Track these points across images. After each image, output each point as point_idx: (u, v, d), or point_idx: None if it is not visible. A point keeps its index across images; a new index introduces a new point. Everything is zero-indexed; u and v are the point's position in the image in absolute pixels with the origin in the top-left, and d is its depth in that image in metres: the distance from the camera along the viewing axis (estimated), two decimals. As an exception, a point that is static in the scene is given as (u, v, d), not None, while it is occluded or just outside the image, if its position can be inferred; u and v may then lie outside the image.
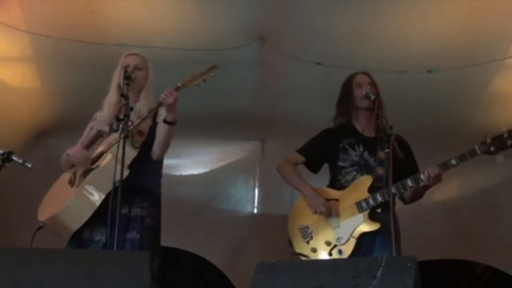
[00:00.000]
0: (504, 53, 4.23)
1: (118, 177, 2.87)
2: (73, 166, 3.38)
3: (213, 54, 4.16)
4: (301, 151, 3.63)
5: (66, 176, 3.37)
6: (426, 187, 3.28)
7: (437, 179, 3.21)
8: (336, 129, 3.61)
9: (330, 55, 4.32)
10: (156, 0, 4.03)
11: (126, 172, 2.97)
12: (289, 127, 5.16)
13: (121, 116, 3.06)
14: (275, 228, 5.48)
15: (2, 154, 3.15)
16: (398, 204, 3.48)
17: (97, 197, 3.11)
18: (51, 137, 5.10)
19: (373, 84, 3.56)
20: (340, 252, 3.35)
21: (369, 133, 3.55)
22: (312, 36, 4.25)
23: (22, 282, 2.33)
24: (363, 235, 3.33)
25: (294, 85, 4.77)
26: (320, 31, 4.19)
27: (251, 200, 5.83)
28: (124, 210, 3.04)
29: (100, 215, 3.04)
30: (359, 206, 3.37)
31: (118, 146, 3.01)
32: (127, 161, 3.06)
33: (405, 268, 2.28)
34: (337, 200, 3.46)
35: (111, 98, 3.39)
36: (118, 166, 2.89)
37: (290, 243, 3.56)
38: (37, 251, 2.51)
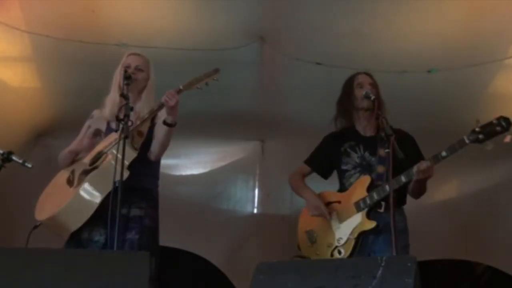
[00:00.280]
0: (504, 53, 4.23)
1: (118, 178, 2.86)
2: (72, 163, 3.37)
3: (213, 54, 4.16)
4: (307, 161, 3.74)
5: (63, 175, 3.36)
6: (420, 181, 3.24)
7: (427, 172, 3.15)
8: (337, 133, 3.64)
9: (330, 55, 4.32)
10: (156, 0, 4.03)
11: (126, 174, 2.97)
12: (289, 127, 5.16)
13: (121, 116, 3.05)
14: (275, 228, 5.51)
15: (2, 154, 3.15)
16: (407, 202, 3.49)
17: (97, 198, 3.11)
18: (51, 137, 5.10)
19: (374, 85, 3.56)
20: (339, 252, 3.38)
21: (369, 132, 3.55)
22: (312, 36, 4.25)
23: (22, 282, 2.33)
24: (363, 235, 3.33)
25: (294, 85, 4.77)
26: (320, 31, 4.18)
27: (251, 200, 5.83)
28: (124, 211, 3.03)
29: (99, 216, 3.04)
30: (357, 206, 3.38)
31: (118, 147, 3.01)
32: (127, 162, 3.06)
33: (405, 268, 2.28)
34: (339, 202, 3.50)
35: (112, 97, 3.39)
36: (118, 167, 2.89)
37: (299, 247, 3.62)
38: (37, 251, 2.51)
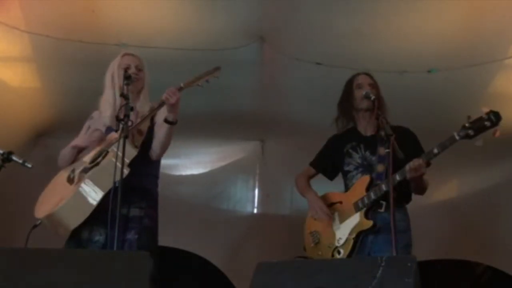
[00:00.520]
0: (504, 53, 4.23)
1: (118, 176, 2.86)
2: (72, 162, 3.37)
3: (213, 54, 4.16)
4: (312, 163, 3.78)
5: (63, 174, 3.35)
6: (414, 179, 3.22)
7: (419, 170, 3.15)
8: (340, 135, 3.66)
9: (330, 55, 4.32)
10: (156, 0, 4.03)
11: (126, 171, 2.97)
12: (289, 127, 5.16)
13: (121, 116, 3.06)
14: (275, 228, 5.51)
15: (2, 154, 3.15)
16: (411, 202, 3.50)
17: (97, 195, 3.10)
18: (51, 137, 5.10)
19: (373, 85, 3.57)
20: (339, 252, 3.39)
21: (370, 132, 3.55)
22: (312, 36, 4.25)
23: (22, 282, 2.33)
24: (362, 235, 3.34)
25: (294, 85, 4.77)
26: (320, 31, 4.18)
27: (251, 200, 5.83)
28: (123, 211, 3.02)
29: (99, 215, 3.04)
30: (356, 206, 3.40)
31: (118, 145, 3.01)
32: (127, 160, 3.06)
33: (405, 268, 2.28)
34: (340, 202, 3.52)
35: (110, 99, 3.39)
36: (119, 165, 2.88)
37: (304, 249, 3.65)
38: (37, 251, 2.50)
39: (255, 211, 5.85)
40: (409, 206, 3.52)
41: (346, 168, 3.56)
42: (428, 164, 3.23)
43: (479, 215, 5.32)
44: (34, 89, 4.71)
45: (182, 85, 3.20)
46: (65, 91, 4.65)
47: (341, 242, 3.39)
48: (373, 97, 3.39)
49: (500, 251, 5.31)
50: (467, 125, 3.02)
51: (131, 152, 3.14)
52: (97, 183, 3.13)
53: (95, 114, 3.49)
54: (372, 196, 3.33)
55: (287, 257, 3.64)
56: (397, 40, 4.20)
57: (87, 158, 3.31)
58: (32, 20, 4.07)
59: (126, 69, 3.33)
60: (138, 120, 3.24)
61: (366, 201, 3.35)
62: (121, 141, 2.93)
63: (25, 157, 3.22)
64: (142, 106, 3.34)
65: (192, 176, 5.72)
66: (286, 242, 5.10)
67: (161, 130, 3.27)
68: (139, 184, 3.24)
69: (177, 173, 5.61)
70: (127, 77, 3.22)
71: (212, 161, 5.74)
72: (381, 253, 3.16)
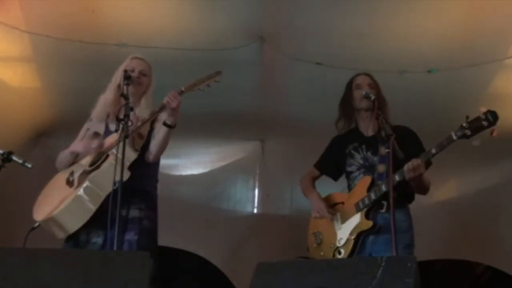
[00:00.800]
0: (504, 53, 4.23)
1: (118, 178, 2.86)
2: (72, 164, 3.37)
3: (213, 54, 4.16)
4: (315, 165, 3.79)
5: (62, 176, 3.35)
6: (413, 179, 3.21)
7: (417, 170, 3.14)
8: (342, 135, 3.66)
9: (330, 55, 4.32)
10: (156, 0, 4.03)
11: (127, 174, 2.97)
12: (289, 127, 5.16)
13: (121, 116, 3.06)
14: (275, 228, 5.51)
15: (2, 154, 3.15)
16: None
17: (98, 198, 3.10)
18: (51, 137, 5.10)
19: (373, 85, 3.57)
20: (339, 253, 3.40)
21: (371, 132, 3.55)
22: (312, 36, 4.25)
23: (22, 282, 2.33)
24: (363, 235, 3.34)
25: (294, 85, 4.77)
26: (320, 31, 4.18)
27: (251, 200, 5.83)
28: (122, 212, 3.02)
29: (98, 217, 3.04)
30: (357, 207, 3.40)
31: (118, 148, 3.01)
32: (128, 163, 3.06)
33: (405, 268, 2.28)
34: (342, 203, 3.53)
35: (107, 96, 3.40)
36: (119, 167, 2.88)
37: (308, 249, 3.65)
38: (37, 252, 2.50)
39: (255, 211, 5.85)
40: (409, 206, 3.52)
41: (349, 169, 3.57)
42: (428, 164, 3.23)
43: (479, 215, 5.32)
44: (34, 89, 4.71)
45: (183, 89, 3.21)
46: (65, 91, 4.65)
47: (342, 242, 3.39)
48: (373, 97, 3.38)
49: (500, 251, 5.31)
50: (464, 125, 3.01)
51: (132, 155, 3.15)
52: (97, 186, 3.13)
53: (93, 115, 3.49)
54: (373, 196, 3.33)
55: (287, 257, 3.65)
56: (397, 40, 4.20)
57: (85, 160, 3.31)
58: (32, 20, 4.07)
59: (126, 70, 3.33)
60: (139, 123, 3.23)
61: (366, 201, 3.35)
62: (121, 142, 2.93)
63: (25, 157, 3.21)
64: (142, 111, 3.33)
65: (192, 176, 5.72)
66: (286, 242, 5.10)
67: (159, 132, 3.27)
68: (139, 186, 3.24)
69: (177, 173, 5.61)
70: (126, 77, 3.22)
71: (212, 161, 5.74)
72: (382, 254, 3.15)
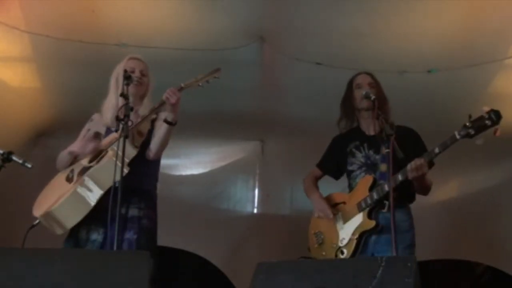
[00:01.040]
0: (504, 53, 4.23)
1: (118, 175, 2.85)
2: (71, 164, 3.37)
3: (213, 54, 4.16)
4: (318, 164, 3.80)
5: (62, 175, 3.34)
6: (417, 179, 3.21)
7: (420, 169, 3.14)
8: (344, 134, 3.66)
9: (330, 55, 4.32)
10: (156, 0, 4.03)
11: (126, 170, 2.96)
12: (289, 127, 5.16)
13: (121, 116, 3.05)
14: (275, 228, 5.51)
15: (2, 154, 3.14)
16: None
17: (96, 193, 3.10)
18: (51, 137, 5.10)
19: (373, 84, 3.57)
20: (342, 253, 3.40)
21: (373, 131, 3.55)
22: (312, 36, 4.25)
23: (22, 282, 2.33)
24: (365, 235, 3.34)
25: (294, 85, 4.77)
26: (320, 31, 4.18)
27: (251, 200, 5.83)
28: (122, 210, 3.02)
29: (98, 214, 3.04)
30: (359, 206, 3.40)
31: (118, 145, 3.01)
32: (127, 160, 3.06)
33: (405, 268, 2.28)
34: (344, 203, 3.53)
35: (113, 100, 3.39)
36: (119, 164, 2.88)
37: (309, 249, 3.65)
38: (37, 251, 2.50)
39: (255, 211, 5.85)
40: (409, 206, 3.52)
41: (350, 168, 3.56)
42: (431, 164, 3.23)
43: (480, 215, 5.32)
44: (34, 89, 4.71)
45: (182, 85, 3.21)
46: (65, 91, 4.65)
47: (344, 242, 3.39)
48: (373, 97, 3.38)
49: (500, 251, 5.31)
50: (468, 124, 3.01)
51: (131, 152, 3.14)
52: (96, 181, 3.12)
53: (95, 116, 3.48)
54: (375, 196, 3.32)
55: (287, 257, 3.65)
56: (397, 40, 4.20)
57: (85, 160, 3.30)
58: (32, 20, 4.07)
59: (126, 71, 3.32)
60: (139, 120, 3.23)
61: (369, 201, 3.35)
62: (121, 140, 2.93)
63: (25, 157, 3.21)
64: (144, 111, 3.33)
65: (192, 176, 5.72)
66: (286, 242, 5.10)
67: (160, 130, 3.27)
68: (139, 185, 3.24)
69: (177, 173, 5.61)
70: (127, 77, 3.21)
71: (212, 161, 5.74)
72: (385, 253, 3.14)
